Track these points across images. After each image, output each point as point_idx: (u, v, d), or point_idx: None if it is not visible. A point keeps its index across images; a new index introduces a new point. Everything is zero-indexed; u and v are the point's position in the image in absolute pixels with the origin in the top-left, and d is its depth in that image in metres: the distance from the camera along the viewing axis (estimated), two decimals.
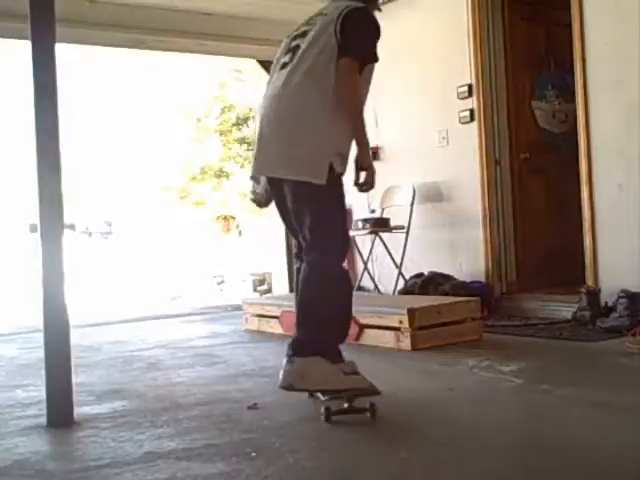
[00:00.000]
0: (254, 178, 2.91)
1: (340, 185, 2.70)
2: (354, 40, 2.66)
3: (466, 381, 3.18)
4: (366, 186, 2.72)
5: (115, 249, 17.24)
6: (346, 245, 2.81)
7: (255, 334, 4.99)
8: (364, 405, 2.57)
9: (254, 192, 2.98)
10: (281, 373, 2.67)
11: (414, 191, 5.67)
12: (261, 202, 2.98)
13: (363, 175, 2.69)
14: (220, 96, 16.07)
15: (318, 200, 2.63)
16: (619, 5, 4.42)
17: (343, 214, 2.81)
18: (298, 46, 2.78)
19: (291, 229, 2.86)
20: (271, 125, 2.74)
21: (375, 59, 2.75)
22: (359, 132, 2.70)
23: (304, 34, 2.81)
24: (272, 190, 2.84)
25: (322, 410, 2.57)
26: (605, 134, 4.48)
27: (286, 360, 2.66)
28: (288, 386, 2.65)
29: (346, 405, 2.62)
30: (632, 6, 4.32)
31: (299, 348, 2.64)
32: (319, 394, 2.75)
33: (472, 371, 3.33)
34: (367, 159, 2.71)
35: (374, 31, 2.73)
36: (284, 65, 2.79)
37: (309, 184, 2.61)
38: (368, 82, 2.86)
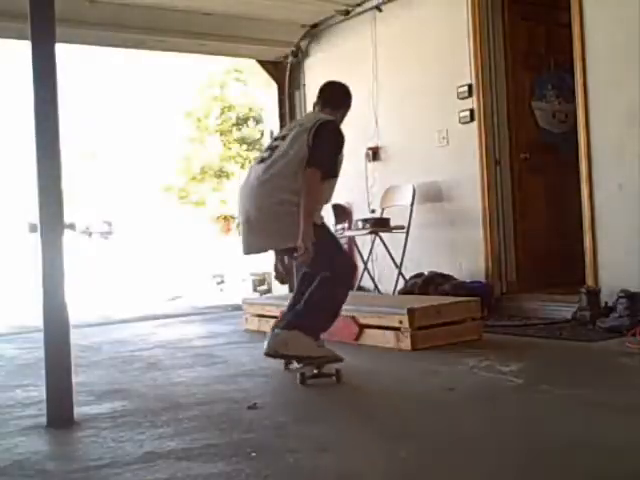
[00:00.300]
0: (248, 254, 3.49)
1: (324, 227, 3.41)
2: (318, 155, 3.25)
3: (466, 381, 3.18)
4: (300, 258, 3.24)
5: (115, 249, 17.24)
6: (350, 264, 3.59)
7: (255, 334, 4.98)
8: (331, 371, 3.24)
9: (276, 270, 3.67)
10: (265, 343, 3.31)
11: (414, 191, 5.67)
12: (283, 277, 3.71)
13: (301, 249, 3.20)
14: (220, 96, 16.08)
15: (315, 249, 3.20)
16: (619, 5, 4.42)
17: (337, 245, 3.55)
18: (277, 147, 3.38)
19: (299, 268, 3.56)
20: (255, 215, 3.34)
21: (333, 175, 3.36)
22: (305, 222, 3.22)
23: (283, 138, 3.42)
24: (277, 255, 3.58)
25: (298, 376, 3.22)
26: (605, 134, 4.48)
27: (271, 333, 3.34)
28: (273, 352, 3.29)
29: (316, 371, 3.28)
30: (632, 6, 4.31)
31: (300, 323, 3.27)
32: (294, 364, 3.37)
33: (472, 371, 3.33)
34: (305, 240, 3.20)
35: (335, 146, 3.34)
36: (262, 160, 3.42)
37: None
38: (332, 188, 3.44)
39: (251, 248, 3.43)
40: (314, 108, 3.65)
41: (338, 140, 3.35)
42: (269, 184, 3.31)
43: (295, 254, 3.24)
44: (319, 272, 3.30)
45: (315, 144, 3.26)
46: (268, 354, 3.31)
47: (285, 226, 3.25)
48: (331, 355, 3.32)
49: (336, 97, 3.63)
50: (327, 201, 3.51)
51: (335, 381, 3.20)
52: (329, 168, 3.30)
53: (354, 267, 3.49)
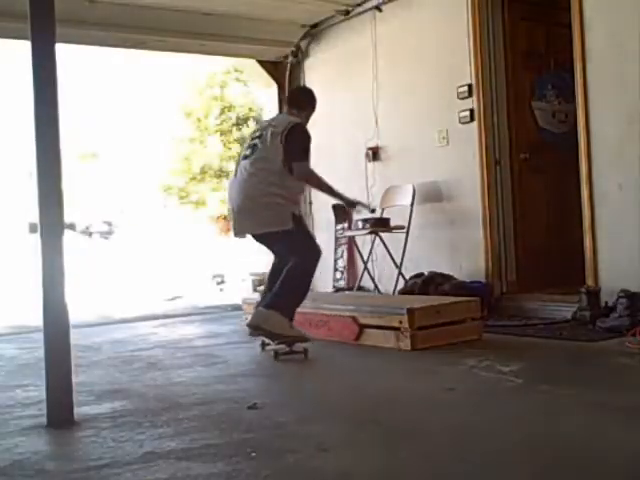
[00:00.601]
0: (239, 236, 4.20)
1: (301, 218, 4.10)
2: (296, 150, 3.94)
3: (466, 381, 3.18)
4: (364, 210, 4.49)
5: (115, 249, 17.23)
6: (318, 251, 4.03)
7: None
8: (300, 349, 3.88)
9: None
10: (249, 317, 4.01)
11: (414, 191, 5.67)
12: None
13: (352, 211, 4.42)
14: (220, 96, 16.08)
15: (292, 235, 3.92)
16: (619, 5, 4.42)
17: (310, 235, 4.23)
18: (256, 145, 4.01)
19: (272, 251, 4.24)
20: (245, 203, 4.00)
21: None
22: (331, 194, 4.21)
23: (260, 137, 4.03)
24: (256, 238, 4.13)
25: (272, 353, 3.93)
26: (605, 134, 4.48)
27: (255, 311, 3.99)
28: (256, 325, 3.90)
29: (287, 349, 3.90)
30: (632, 6, 4.32)
31: (277, 304, 3.87)
32: (271, 343, 4.02)
33: (472, 371, 3.33)
34: (347, 202, 4.38)
35: (306, 142, 3.99)
36: (246, 157, 4.05)
37: (284, 231, 3.91)
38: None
39: (242, 231, 4.11)
40: (283, 109, 4.36)
41: (306, 138, 4.00)
42: (255, 178, 3.95)
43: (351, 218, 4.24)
44: (294, 255, 3.91)
45: (289, 143, 3.91)
46: (250, 325, 3.95)
47: (271, 214, 3.92)
48: (300, 335, 3.95)
49: (302, 100, 4.27)
50: (302, 190, 4.23)
51: (303, 358, 3.84)
52: (307, 158, 3.97)
53: (320, 255, 4.04)
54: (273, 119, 4.30)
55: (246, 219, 4.03)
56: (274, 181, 3.90)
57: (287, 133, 3.92)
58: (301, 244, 3.95)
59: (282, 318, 3.85)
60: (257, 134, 4.09)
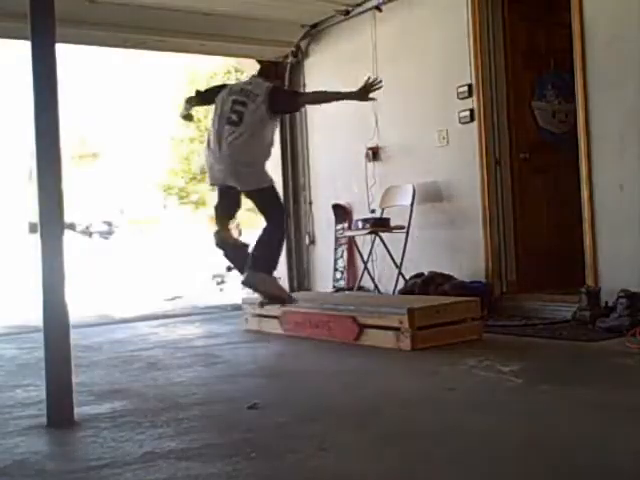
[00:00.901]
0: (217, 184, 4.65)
1: (273, 186, 4.55)
2: (286, 97, 4.76)
3: (466, 381, 3.18)
4: (375, 86, 4.34)
5: (115, 249, 17.24)
6: (285, 215, 5.02)
7: (255, 334, 4.99)
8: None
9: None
10: (245, 276, 4.43)
11: (414, 191, 5.67)
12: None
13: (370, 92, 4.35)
14: None
15: (267, 192, 4.48)
16: (619, 5, 4.42)
17: (281, 200, 4.80)
18: (242, 112, 4.39)
19: (225, 212, 4.73)
20: (231, 165, 4.40)
21: (284, 111, 4.97)
22: (341, 98, 4.62)
23: (243, 104, 4.42)
24: (227, 188, 4.54)
25: (257, 303, 4.76)
26: (605, 134, 4.48)
27: (249, 271, 4.39)
28: (253, 285, 4.46)
29: (266, 301, 4.62)
30: (632, 6, 4.32)
31: (260, 267, 4.38)
32: (262, 298, 4.62)
33: (472, 371, 3.33)
34: (357, 94, 4.43)
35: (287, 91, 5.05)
36: (231, 122, 4.40)
37: (263, 188, 4.46)
38: (274, 130, 4.61)
39: (222, 181, 4.52)
40: (252, 78, 4.79)
41: (284, 88, 4.91)
42: (241, 148, 4.37)
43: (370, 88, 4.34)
44: (269, 217, 4.45)
45: (280, 95, 4.56)
46: (247, 284, 4.47)
47: (255, 174, 4.43)
48: (285, 293, 4.75)
49: (266, 73, 4.97)
50: (272, 143, 4.56)
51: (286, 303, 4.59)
52: (291, 104, 4.75)
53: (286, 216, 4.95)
54: (248, 84, 4.66)
55: (231, 177, 4.43)
56: (261, 146, 4.45)
57: (270, 93, 4.42)
58: (275, 209, 4.54)
59: (273, 278, 4.52)
60: (240, 99, 4.45)
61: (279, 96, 4.50)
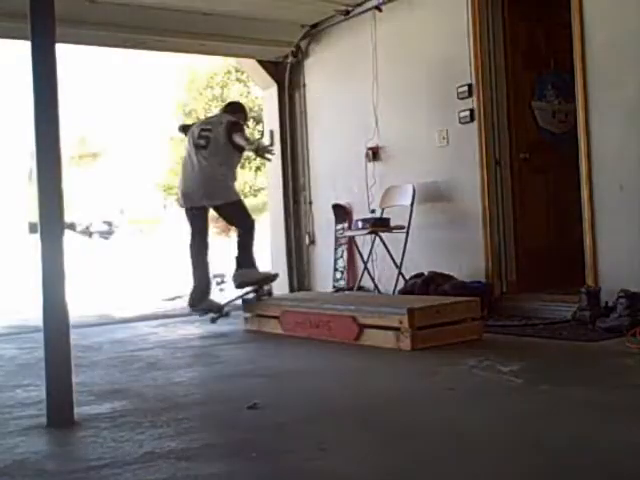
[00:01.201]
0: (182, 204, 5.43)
1: (240, 199, 5.37)
2: (236, 131, 5.23)
3: (466, 381, 3.18)
4: (269, 151, 5.25)
5: (115, 249, 17.23)
6: (253, 219, 5.37)
7: (255, 334, 4.99)
8: (265, 293, 5.40)
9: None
10: (234, 278, 5.31)
11: (414, 191, 5.66)
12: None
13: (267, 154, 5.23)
14: (220, 96, 16.09)
15: (236, 206, 5.26)
16: (619, 5, 4.42)
17: (248, 211, 5.37)
18: (208, 137, 5.24)
19: (202, 244, 5.39)
20: (203, 182, 5.22)
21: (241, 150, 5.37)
22: (249, 150, 5.38)
23: (210, 130, 5.29)
24: (197, 210, 5.31)
25: (209, 319, 5.37)
26: (605, 134, 4.48)
27: (235, 273, 5.28)
28: (242, 283, 5.30)
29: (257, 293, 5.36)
30: (632, 6, 4.32)
31: (243, 264, 5.25)
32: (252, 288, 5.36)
33: (472, 371, 3.33)
34: (257, 150, 5.29)
35: (241, 127, 5.37)
36: (200, 146, 5.25)
37: (232, 202, 5.24)
38: (239, 161, 5.51)
39: (195, 203, 5.26)
40: (218, 113, 5.92)
41: (242, 126, 5.39)
42: (210, 167, 5.18)
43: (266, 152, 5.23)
44: (239, 222, 5.29)
45: (232, 126, 5.23)
46: (239, 285, 5.31)
47: (223, 189, 5.20)
48: (269, 275, 5.58)
49: (236, 108, 5.70)
50: (236, 164, 5.39)
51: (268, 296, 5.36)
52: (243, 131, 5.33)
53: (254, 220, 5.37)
54: (216, 116, 5.71)
55: (204, 195, 5.19)
56: (226, 166, 5.22)
57: (231, 122, 5.27)
58: (243, 218, 5.28)
59: (253, 269, 5.29)
60: (207, 127, 5.35)
61: (234, 128, 5.24)
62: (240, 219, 5.30)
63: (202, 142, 5.24)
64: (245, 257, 5.25)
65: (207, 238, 5.42)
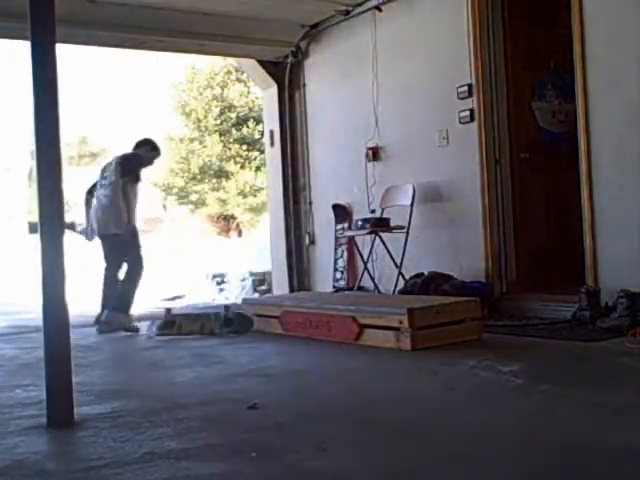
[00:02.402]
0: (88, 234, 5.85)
1: (136, 230, 5.67)
2: (127, 170, 5.63)
3: (466, 381, 3.18)
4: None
5: None
6: (143, 260, 5.63)
7: (255, 334, 4.98)
8: (135, 328, 5.39)
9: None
10: (100, 323, 5.49)
11: (414, 191, 5.67)
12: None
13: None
14: (220, 96, 16.08)
15: (125, 237, 5.53)
16: (619, 5, 4.42)
17: (138, 240, 5.65)
18: (106, 177, 5.65)
19: (115, 264, 5.75)
20: (101, 214, 5.61)
21: (135, 180, 5.73)
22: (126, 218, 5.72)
23: (107, 170, 5.69)
24: (103, 239, 5.72)
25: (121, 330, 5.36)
26: (605, 134, 4.48)
27: (104, 313, 5.50)
28: (107, 329, 5.36)
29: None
30: (632, 6, 4.32)
31: (113, 306, 5.45)
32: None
33: (472, 371, 3.33)
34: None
35: (131, 164, 5.71)
36: (102, 185, 5.67)
37: (119, 234, 5.53)
38: (136, 192, 5.73)
39: (101, 232, 5.64)
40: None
41: (132, 163, 5.69)
42: (110, 201, 5.55)
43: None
44: (129, 259, 5.55)
45: (124, 162, 5.66)
46: (102, 331, 5.37)
47: (116, 222, 5.50)
48: (134, 327, 5.44)
49: (139, 143, 5.88)
50: (133, 199, 5.62)
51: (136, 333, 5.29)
52: (126, 175, 5.58)
53: (143, 265, 5.60)
54: (117, 156, 5.93)
55: (103, 227, 5.61)
56: (119, 201, 5.51)
57: (120, 159, 5.70)
58: (135, 253, 5.57)
59: (120, 313, 5.42)
60: (109, 167, 5.73)
61: (127, 160, 5.68)
62: (132, 255, 5.58)
63: (103, 181, 5.71)
64: (126, 299, 5.49)
65: (121, 259, 5.69)
